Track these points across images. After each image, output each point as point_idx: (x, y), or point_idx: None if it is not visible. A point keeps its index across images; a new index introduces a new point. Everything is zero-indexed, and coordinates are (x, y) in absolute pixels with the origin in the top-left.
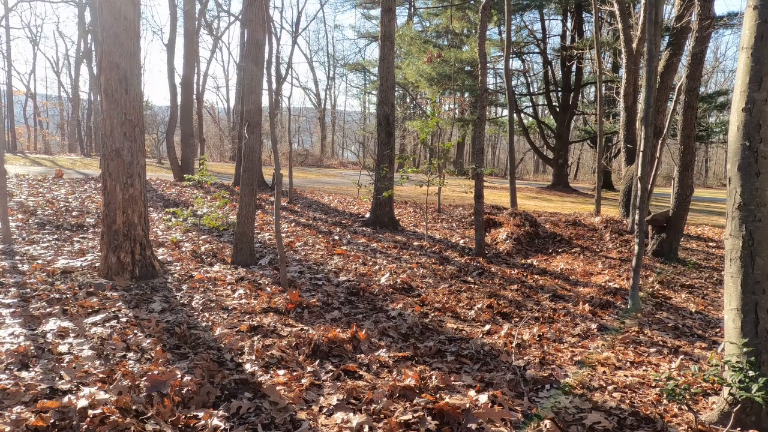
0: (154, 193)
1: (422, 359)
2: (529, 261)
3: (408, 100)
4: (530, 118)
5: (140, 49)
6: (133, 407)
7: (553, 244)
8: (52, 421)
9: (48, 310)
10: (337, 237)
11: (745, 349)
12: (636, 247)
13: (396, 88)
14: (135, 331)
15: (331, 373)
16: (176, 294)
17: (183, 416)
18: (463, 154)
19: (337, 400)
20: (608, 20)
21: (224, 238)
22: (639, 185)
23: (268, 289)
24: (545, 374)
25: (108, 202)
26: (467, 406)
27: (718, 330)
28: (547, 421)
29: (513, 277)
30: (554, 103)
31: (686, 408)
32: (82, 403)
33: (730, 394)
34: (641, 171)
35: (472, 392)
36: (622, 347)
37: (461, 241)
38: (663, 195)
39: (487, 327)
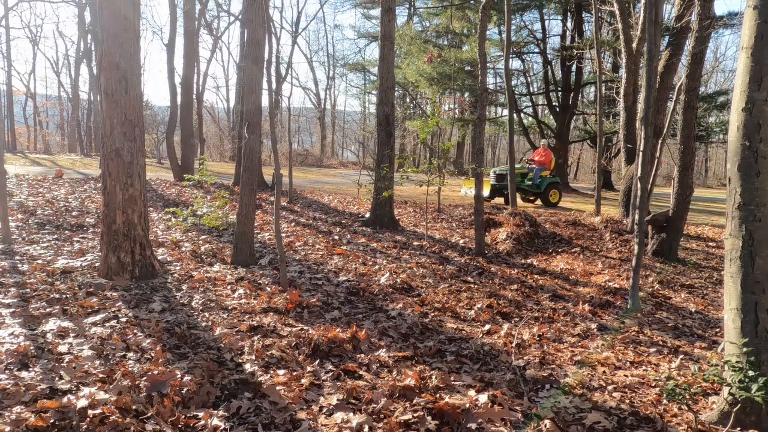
0: (154, 193)
1: (422, 359)
2: (529, 261)
3: (408, 100)
4: (530, 118)
5: (140, 49)
6: (133, 407)
7: (553, 244)
8: (51, 421)
9: (48, 310)
10: (337, 237)
11: (744, 349)
12: (636, 247)
13: (396, 88)
14: (135, 331)
15: (331, 373)
16: (176, 294)
17: (183, 416)
18: (463, 154)
19: (337, 400)
20: (608, 20)
21: (224, 238)
22: (639, 185)
23: (268, 289)
24: (545, 374)
25: (108, 202)
26: (467, 406)
27: (718, 330)
28: (547, 421)
29: (513, 277)
30: (554, 103)
31: (686, 408)
32: (82, 403)
33: (730, 393)
34: (641, 171)
35: (472, 392)
36: (622, 347)
37: (461, 241)
38: (663, 195)
39: (487, 327)
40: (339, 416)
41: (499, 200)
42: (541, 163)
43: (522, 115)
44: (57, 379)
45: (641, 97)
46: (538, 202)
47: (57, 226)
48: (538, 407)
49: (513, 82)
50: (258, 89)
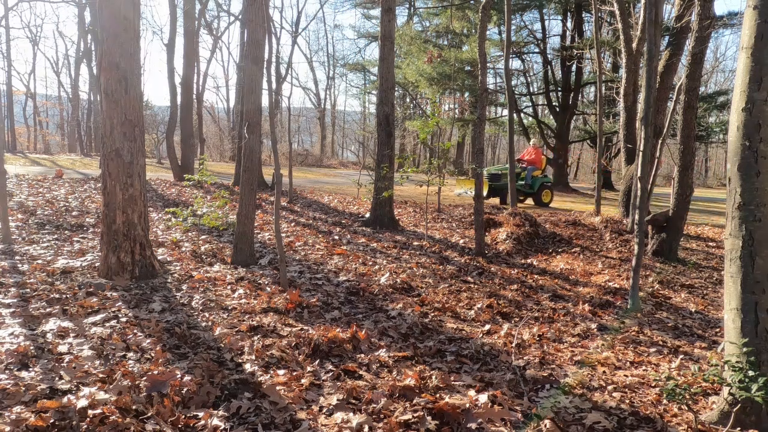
0: (154, 193)
1: (422, 359)
2: (529, 261)
3: (408, 100)
4: (530, 118)
5: (140, 49)
6: (133, 407)
7: (553, 243)
8: (51, 421)
9: (48, 310)
10: (337, 237)
11: (744, 349)
12: (636, 247)
13: (396, 88)
14: (135, 331)
15: (331, 373)
16: (176, 294)
17: (183, 416)
18: (463, 154)
19: (337, 400)
20: (608, 20)
21: (224, 238)
22: (639, 185)
23: (268, 288)
24: (545, 374)
25: (108, 202)
26: (467, 406)
27: (718, 330)
28: (546, 421)
29: (513, 277)
30: (554, 103)
31: (686, 408)
32: (82, 403)
33: (730, 393)
34: (641, 171)
35: (472, 392)
36: (622, 347)
37: (461, 241)
38: (663, 195)
39: (487, 327)
40: (339, 416)
41: (494, 200)
42: (531, 162)
43: (522, 115)
44: (57, 379)
45: (641, 97)
46: (529, 201)
47: (57, 226)
48: (538, 407)
49: (513, 82)
50: (258, 89)
